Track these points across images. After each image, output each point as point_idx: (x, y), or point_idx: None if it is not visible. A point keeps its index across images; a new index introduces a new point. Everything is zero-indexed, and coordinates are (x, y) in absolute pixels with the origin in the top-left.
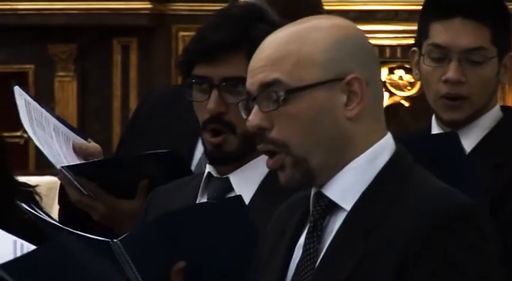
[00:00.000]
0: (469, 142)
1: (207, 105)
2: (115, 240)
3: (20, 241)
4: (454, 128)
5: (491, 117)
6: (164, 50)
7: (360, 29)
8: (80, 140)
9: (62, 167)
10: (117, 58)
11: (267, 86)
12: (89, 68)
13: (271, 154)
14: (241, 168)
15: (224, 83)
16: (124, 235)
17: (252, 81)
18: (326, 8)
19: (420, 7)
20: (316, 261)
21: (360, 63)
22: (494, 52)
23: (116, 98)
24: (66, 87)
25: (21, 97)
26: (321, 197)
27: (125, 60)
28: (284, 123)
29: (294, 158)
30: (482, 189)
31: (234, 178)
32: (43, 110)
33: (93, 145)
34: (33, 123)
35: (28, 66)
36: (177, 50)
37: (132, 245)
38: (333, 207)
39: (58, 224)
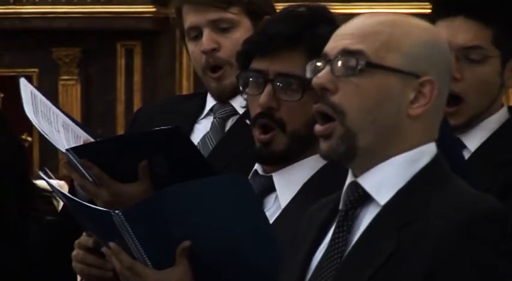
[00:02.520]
0: (474, 142)
1: (259, 99)
2: (117, 211)
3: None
4: (455, 132)
5: (497, 118)
6: (168, 54)
7: (446, 40)
8: (91, 139)
9: (67, 149)
10: (121, 62)
11: (349, 53)
12: (93, 71)
13: (323, 118)
14: (286, 168)
15: (279, 78)
16: (127, 207)
17: (335, 45)
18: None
19: (426, 10)
20: (345, 250)
21: (438, 71)
22: (494, 53)
23: (120, 101)
24: (70, 90)
25: (26, 88)
26: (355, 187)
27: (129, 64)
28: (350, 93)
29: (345, 129)
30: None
31: (277, 177)
32: (52, 106)
33: None
34: (38, 115)
35: (32, 69)
36: (181, 53)
37: (135, 217)
38: (366, 199)
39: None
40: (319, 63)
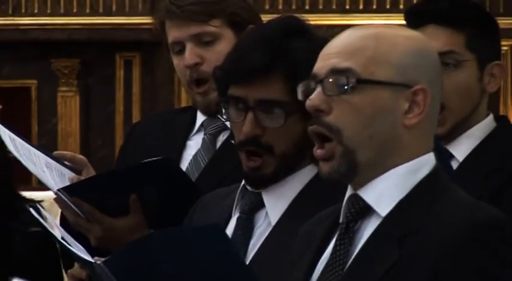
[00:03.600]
0: (461, 152)
1: (242, 126)
2: (98, 262)
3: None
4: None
5: (483, 127)
6: (167, 65)
7: (434, 48)
8: (74, 175)
9: (58, 189)
10: (120, 73)
11: (338, 72)
12: (92, 83)
13: (320, 139)
14: (275, 184)
15: (260, 106)
16: (108, 257)
17: (323, 65)
18: (327, 22)
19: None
20: (346, 263)
21: (429, 79)
22: (469, 57)
23: (119, 113)
24: (69, 102)
25: (4, 134)
26: (356, 200)
27: (128, 75)
28: (343, 111)
29: (344, 148)
30: None
31: (267, 194)
32: (31, 147)
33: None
34: (21, 157)
35: (31, 81)
36: None
37: (116, 266)
38: (366, 211)
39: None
40: (309, 84)
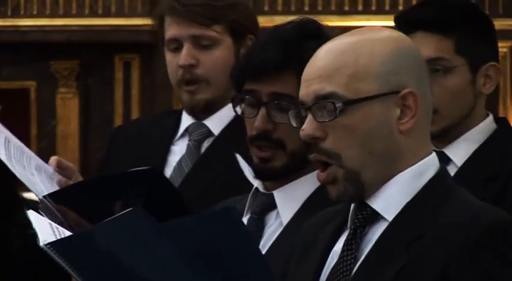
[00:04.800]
0: (460, 155)
1: (254, 122)
2: (44, 243)
3: (54, 224)
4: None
5: (482, 129)
6: (166, 67)
7: (411, 41)
8: (61, 178)
9: (44, 196)
10: (119, 75)
11: (323, 98)
12: (91, 84)
13: (322, 165)
14: (287, 185)
15: (273, 101)
16: (55, 239)
17: (307, 92)
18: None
19: None
20: (353, 268)
21: (414, 77)
22: (459, 62)
23: (118, 114)
24: (68, 104)
25: (0, 134)
26: (363, 206)
27: (127, 77)
28: (338, 134)
29: (346, 170)
30: None
31: (278, 195)
32: (26, 150)
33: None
34: (11, 161)
35: (30, 83)
36: None
37: (62, 249)
38: (374, 217)
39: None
40: (300, 111)
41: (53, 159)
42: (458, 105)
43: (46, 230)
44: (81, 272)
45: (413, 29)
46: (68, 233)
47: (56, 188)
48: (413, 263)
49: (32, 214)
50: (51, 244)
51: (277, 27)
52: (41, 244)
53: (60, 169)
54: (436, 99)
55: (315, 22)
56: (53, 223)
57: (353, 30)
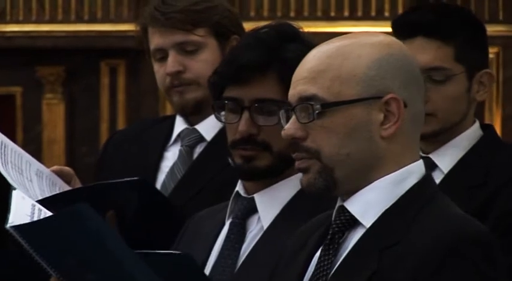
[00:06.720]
0: (446, 162)
1: (237, 126)
2: (10, 225)
3: (38, 205)
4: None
5: (469, 136)
6: (152, 73)
7: (405, 48)
8: (66, 186)
9: (37, 201)
10: (105, 81)
11: (305, 99)
12: (77, 90)
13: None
14: (268, 188)
15: (255, 105)
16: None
17: (293, 93)
18: (312, 30)
19: None
20: (329, 274)
21: (400, 83)
22: (458, 70)
23: (104, 120)
24: (54, 109)
25: None
26: (342, 211)
27: (113, 83)
28: (318, 135)
29: (322, 165)
30: None
31: (259, 198)
32: (25, 154)
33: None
34: (7, 166)
35: (16, 88)
36: None
37: (25, 232)
38: (353, 222)
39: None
40: (288, 112)
41: (54, 168)
42: (454, 111)
43: (22, 212)
44: (44, 256)
45: (412, 34)
46: (49, 213)
47: (57, 192)
48: (384, 272)
49: (16, 195)
50: (15, 226)
51: (254, 31)
52: (7, 226)
53: (60, 175)
54: (436, 105)
55: (291, 25)
56: (37, 204)
57: (346, 35)
